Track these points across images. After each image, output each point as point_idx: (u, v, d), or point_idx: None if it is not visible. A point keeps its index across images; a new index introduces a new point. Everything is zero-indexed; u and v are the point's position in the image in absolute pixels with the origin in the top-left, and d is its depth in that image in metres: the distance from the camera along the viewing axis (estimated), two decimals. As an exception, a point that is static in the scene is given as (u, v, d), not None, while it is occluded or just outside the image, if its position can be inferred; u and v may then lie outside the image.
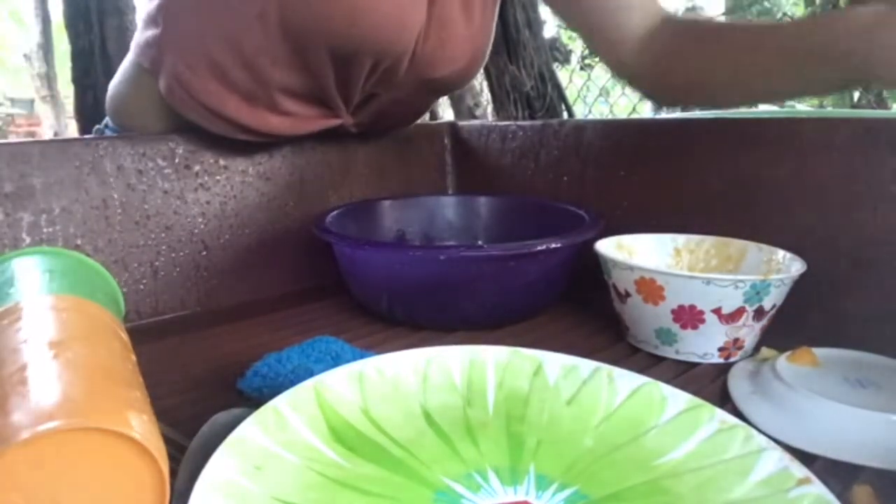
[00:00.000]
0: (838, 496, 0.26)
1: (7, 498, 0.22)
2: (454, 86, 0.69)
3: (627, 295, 0.48)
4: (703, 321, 0.45)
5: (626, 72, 0.60)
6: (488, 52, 0.68)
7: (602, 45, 0.61)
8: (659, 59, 0.57)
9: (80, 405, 0.24)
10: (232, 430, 0.28)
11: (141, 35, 0.62)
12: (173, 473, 0.27)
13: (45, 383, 0.25)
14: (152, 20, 0.60)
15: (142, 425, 0.24)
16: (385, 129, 0.72)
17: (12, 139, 0.60)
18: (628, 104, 1.97)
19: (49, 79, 5.05)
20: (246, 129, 0.59)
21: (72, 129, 5.05)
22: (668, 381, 0.43)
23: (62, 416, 0.23)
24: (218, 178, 0.61)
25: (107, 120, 0.70)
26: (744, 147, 0.55)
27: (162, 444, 0.25)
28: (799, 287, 0.46)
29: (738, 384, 0.42)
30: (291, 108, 0.60)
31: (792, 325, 0.47)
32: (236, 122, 0.58)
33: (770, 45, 0.48)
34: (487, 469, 0.31)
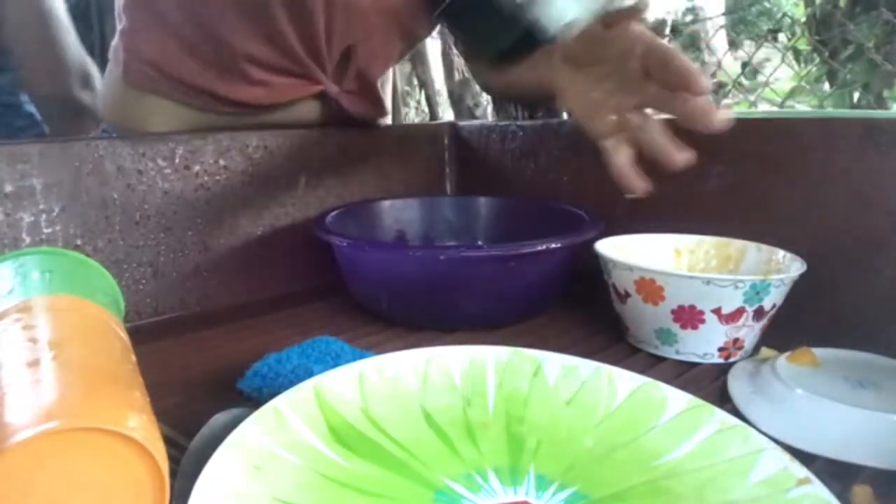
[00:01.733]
0: (838, 496, 0.26)
1: (7, 498, 0.22)
2: (418, 19, 0.69)
3: (627, 295, 0.48)
4: (702, 321, 0.45)
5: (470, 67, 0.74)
6: None
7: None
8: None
9: (79, 405, 0.24)
10: (232, 430, 0.28)
11: (116, 42, 0.65)
12: (173, 473, 0.27)
13: (44, 383, 0.25)
14: (119, 19, 0.63)
15: (142, 425, 0.24)
16: (372, 95, 0.72)
17: (12, 139, 0.60)
18: (628, 104, 1.96)
19: (49, 79, 5.03)
20: (225, 100, 0.60)
21: (72, 130, 5.03)
22: (668, 382, 0.43)
23: (62, 416, 0.23)
24: (218, 178, 0.61)
25: (104, 126, 0.71)
26: (744, 147, 0.55)
27: (162, 444, 0.25)
28: (799, 287, 0.46)
29: (737, 384, 0.42)
30: (263, 78, 0.61)
31: (792, 325, 0.47)
32: (215, 94, 0.60)
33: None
34: (487, 469, 0.31)
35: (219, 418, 0.33)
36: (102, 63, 0.77)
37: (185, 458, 0.29)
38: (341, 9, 0.59)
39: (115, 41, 0.64)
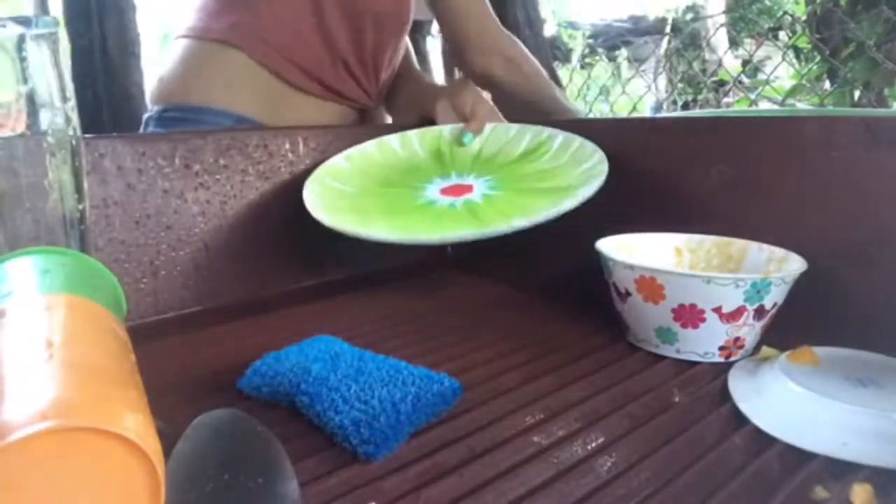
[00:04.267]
0: (838, 496, 0.26)
1: (1, 498, 0.22)
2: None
3: (628, 294, 0.48)
4: (703, 320, 0.45)
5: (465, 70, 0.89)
6: None
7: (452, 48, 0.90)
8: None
9: (75, 405, 0.24)
10: (215, 431, 0.28)
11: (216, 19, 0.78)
12: (172, 473, 0.26)
13: (40, 383, 0.25)
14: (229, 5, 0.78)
15: (137, 425, 0.24)
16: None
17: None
18: (628, 103, 1.97)
19: (49, 78, 5.03)
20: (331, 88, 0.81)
21: (72, 129, 5.02)
22: (668, 380, 0.43)
23: (57, 415, 0.23)
24: (218, 177, 0.61)
25: (157, 108, 0.78)
26: (744, 146, 0.55)
27: (158, 445, 0.25)
28: (799, 286, 0.45)
29: (738, 383, 0.42)
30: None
31: (792, 323, 0.47)
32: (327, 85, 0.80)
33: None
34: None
35: (202, 419, 0.32)
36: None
37: (170, 461, 0.29)
38: (384, 19, 0.75)
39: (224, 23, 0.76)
